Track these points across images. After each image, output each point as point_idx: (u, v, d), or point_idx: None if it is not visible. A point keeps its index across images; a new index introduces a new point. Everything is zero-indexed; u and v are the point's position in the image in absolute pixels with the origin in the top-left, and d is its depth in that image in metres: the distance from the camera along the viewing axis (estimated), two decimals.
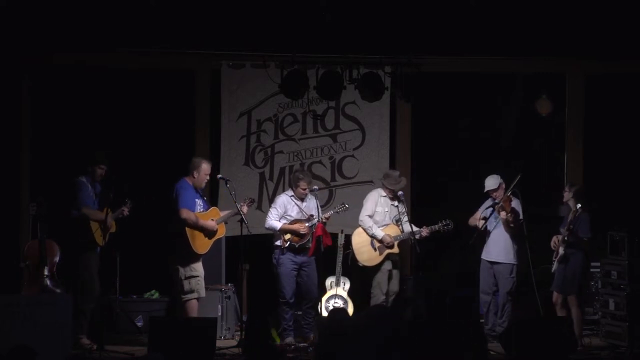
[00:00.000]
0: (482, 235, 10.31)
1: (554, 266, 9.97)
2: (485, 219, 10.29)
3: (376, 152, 11.36)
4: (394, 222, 10.37)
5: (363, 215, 10.45)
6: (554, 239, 10.05)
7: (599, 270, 10.45)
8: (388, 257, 10.37)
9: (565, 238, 9.88)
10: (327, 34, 10.30)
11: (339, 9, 10.38)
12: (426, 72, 10.23)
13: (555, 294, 9.98)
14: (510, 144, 11.75)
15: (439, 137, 11.60)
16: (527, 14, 10.70)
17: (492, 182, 10.34)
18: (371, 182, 11.30)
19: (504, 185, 10.30)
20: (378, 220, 10.42)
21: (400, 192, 10.33)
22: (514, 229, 10.23)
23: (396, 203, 10.37)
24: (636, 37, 10.76)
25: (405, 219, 10.42)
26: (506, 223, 10.21)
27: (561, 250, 9.90)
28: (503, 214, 10.17)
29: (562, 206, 10.38)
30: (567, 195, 10.06)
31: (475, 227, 10.35)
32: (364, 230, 10.44)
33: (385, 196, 10.42)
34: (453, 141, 11.59)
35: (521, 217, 10.25)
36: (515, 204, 10.23)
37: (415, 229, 10.26)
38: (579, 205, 9.82)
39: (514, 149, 11.69)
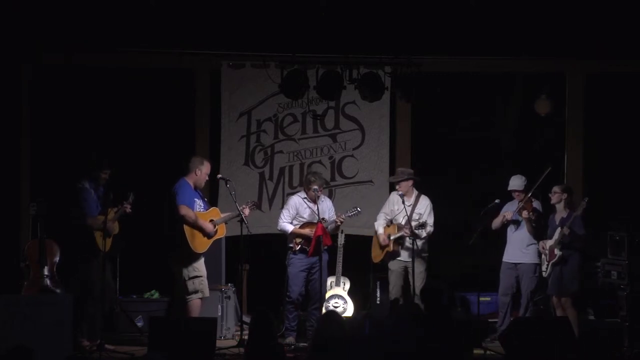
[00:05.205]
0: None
1: (548, 270, 9.94)
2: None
3: (376, 152, 11.36)
4: (398, 221, 10.27)
5: (379, 213, 10.48)
6: (541, 244, 10.02)
7: (599, 270, 10.44)
8: (397, 257, 10.29)
9: (561, 239, 9.86)
10: (327, 34, 10.30)
11: (339, 9, 10.38)
12: (426, 72, 10.22)
13: (554, 298, 9.97)
14: (510, 144, 11.74)
15: (439, 137, 11.59)
16: (527, 14, 10.70)
17: (518, 182, 10.22)
18: (371, 182, 11.31)
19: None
20: (397, 219, 10.34)
21: (421, 195, 10.33)
22: (537, 229, 10.17)
23: (410, 202, 10.30)
24: (636, 37, 10.76)
25: (421, 218, 10.25)
26: (529, 222, 10.16)
27: (557, 252, 9.88)
28: (525, 213, 10.13)
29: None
30: (561, 203, 10.04)
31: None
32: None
33: (398, 194, 10.32)
34: (453, 141, 11.58)
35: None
36: (537, 204, 10.21)
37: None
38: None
39: (514, 148, 11.69)
